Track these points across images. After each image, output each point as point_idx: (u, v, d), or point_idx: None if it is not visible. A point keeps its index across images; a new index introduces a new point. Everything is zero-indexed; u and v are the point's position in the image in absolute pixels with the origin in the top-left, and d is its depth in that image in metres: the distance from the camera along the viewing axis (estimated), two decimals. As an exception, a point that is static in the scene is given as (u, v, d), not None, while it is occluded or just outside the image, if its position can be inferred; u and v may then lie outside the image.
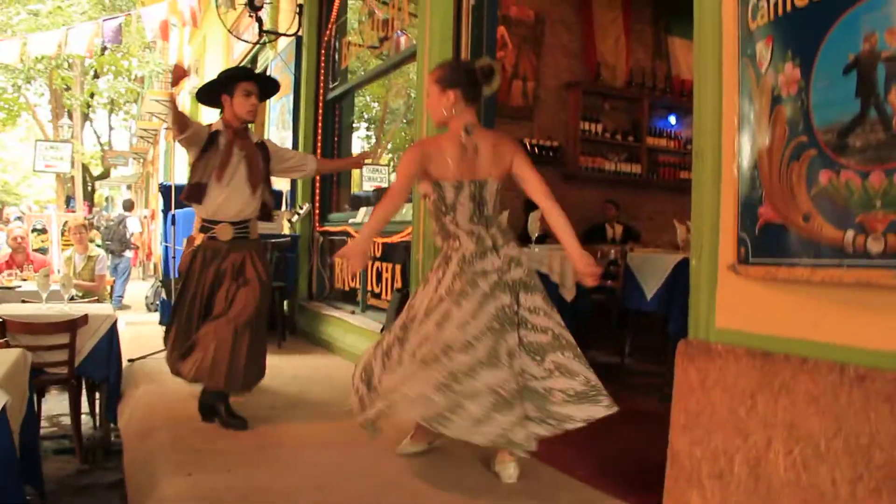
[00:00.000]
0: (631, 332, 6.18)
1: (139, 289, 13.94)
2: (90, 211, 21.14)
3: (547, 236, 6.29)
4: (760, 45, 2.24)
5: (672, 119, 9.67)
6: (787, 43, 2.13)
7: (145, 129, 19.55)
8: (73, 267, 7.09)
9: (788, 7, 2.12)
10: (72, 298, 5.11)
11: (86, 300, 5.96)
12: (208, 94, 4.07)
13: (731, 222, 2.43)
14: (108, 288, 7.32)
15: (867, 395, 2.03)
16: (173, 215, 5.82)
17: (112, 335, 4.62)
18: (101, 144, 26.06)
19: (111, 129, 26.52)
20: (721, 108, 2.50)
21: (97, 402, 4.94)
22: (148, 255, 18.28)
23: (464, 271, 2.96)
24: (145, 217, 20.30)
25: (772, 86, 2.19)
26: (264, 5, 7.00)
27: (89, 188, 25.17)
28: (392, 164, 15.83)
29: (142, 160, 24.86)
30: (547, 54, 8.69)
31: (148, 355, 5.44)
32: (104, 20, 7.73)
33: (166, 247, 6.92)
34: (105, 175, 27.22)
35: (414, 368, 2.84)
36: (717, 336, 2.54)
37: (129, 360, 5.12)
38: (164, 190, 6.77)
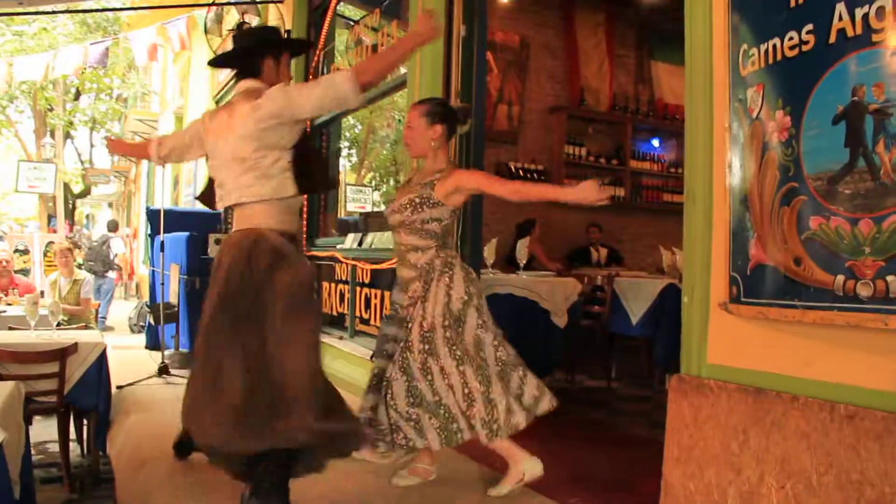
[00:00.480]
0: (617, 357, 6.26)
1: (122, 309, 13.84)
2: (71, 229, 20.97)
3: (532, 261, 6.37)
4: (751, 91, 2.32)
5: (655, 142, 9.80)
6: (778, 91, 2.21)
7: (128, 149, 19.46)
8: (58, 290, 7.05)
9: (779, 56, 2.20)
10: (58, 324, 5.09)
11: (73, 325, 5.93)
12: (243, 55, 3.08)
13: (723, 262, 2.49)
14: (94, 311, 7.26)
15: (857, 433, 2.09)
16: (162, 241, 5.82)
17: (101, 363, 4.59)
18: (82, 162, 25.88)
19: (92, 146, 26.34)
20: (712, 149, 2.57)
21: (84, 430, 4.90)
22: (130, 274, 18.17)
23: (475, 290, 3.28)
24: (127, 236, 20.20)
25: (763, 132, 2.26)
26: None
27: (70, 206, 24.98)
28: (374, 183, 15.88)
29: (123, 178, 24.72)
30: (532, 79, 8.80)
31: (136, 382, 5.42)
32: (91, 44, 7.75)
33: (153, 271, 6.92)
34: (86, 193, 27.01)
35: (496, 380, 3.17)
36: (709, 371, 2.60)
37: (118, 387, 5.10)
38: (151, 214, 6.77)
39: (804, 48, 2.11)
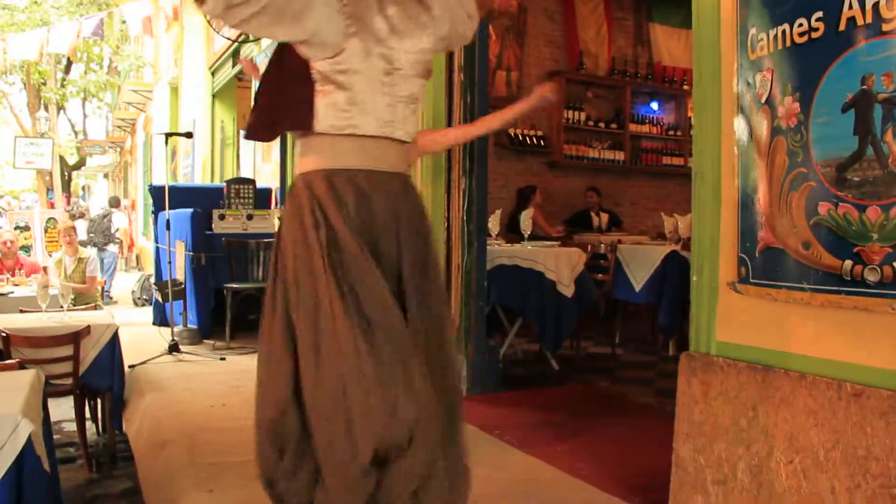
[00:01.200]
0: (620, 323, 6.34)
1: (124, 282, 13.91)
2: (69, 202, 20.96)
3: (534, 226, 6.40)
4: (760, 76, 2.34)
5: (654, 105, 9.80)
6: (787, 77, 2.23)
7: (123, 119, 19.41)
8: (63, 269, 7.10)
9: (788, 42, 2.22)
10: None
11: (81, 306, 5.99)
12: None
13: (732, 241, 2.54)
14: (99, 289, 7.32)
15: (863, 411, 2.15)
16: (167, 219, 5.85)
17: (114, 344, 4.66)
18: (76, 133, 25.80)
19: (85, 116, 26.24)
20: (720, 130, 2.59)
21: (99, 408, 4.99)
22: (130, 246, 18.21)
23: None
24: (125, 208, 20.20)
25: (771, 116, 2.29)
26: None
27: (66, 177, 24.92)
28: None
29: (119, 149, 24.65)
30: (530, 44, 8.77)
31: (147, 361, 5.50)
32: (85, 19, 7.68)
33: (158, 248, 6.96)
34: (81, 164, 26.96)
35: None
36: (719, 349, 2.66)
37: (130, 366, 5.17)
38: (155, 191, 6.79)
39: (814, 35, 2.13)
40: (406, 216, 2.13)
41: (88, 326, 4.45)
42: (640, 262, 5.83)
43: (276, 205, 7.09)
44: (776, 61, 2.28)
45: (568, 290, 5.00)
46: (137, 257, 17.35)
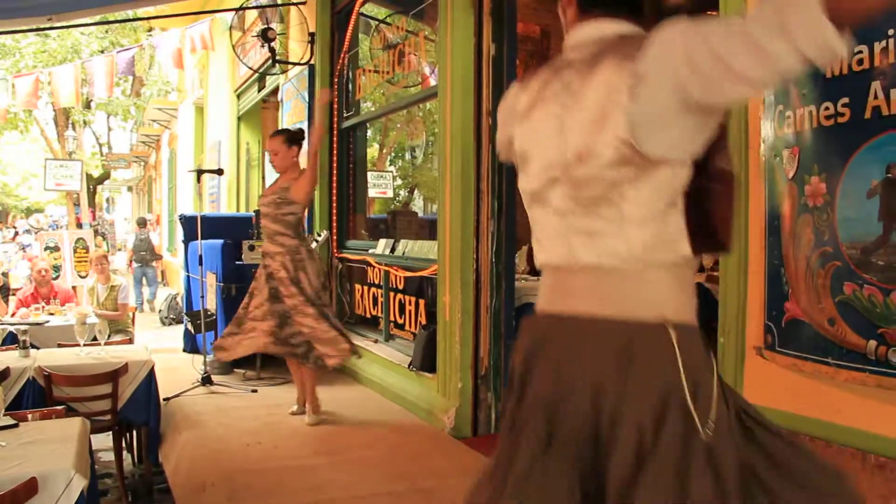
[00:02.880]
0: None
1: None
2: (94, 217, 21.27)
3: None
4: (787, 153, 2.42)
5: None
6: (813, 157, 2.31)
7: (147, 135, 19.68)
8: (95, 297, 7.24)
9: (815, 123, 2.30)
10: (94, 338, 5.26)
11: (115, 335, 6.14)
12: None
13: (758, 309, 2.62)
14: (130, 315, 7.46)
15: (887, 482, 2.22)
16: (200, 255, 5.97)
17: (150, 380, 4.78)
18: (100, 146, 26.13)
19: (110, 130, 26.58)
20: (748, 200, 2.67)
21: (134, 439, 5.12)
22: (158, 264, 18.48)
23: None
24: (149, 221, 20.47)
25: (798, 193, 2.37)
26: (277, 37, 7.12)
27: (91, 189, 25.25)
28: (395, 171, 15.99)
29: (143, 163, 24.95)
30: (552, 69, 8.84)
31: (182, 393, 5.62)
32: (118, 52, 7.86)
33: (189, 277, 7.10)
34: (105, 177, 27.30)
35: None
36: (746, 410, 2.73)
37: (165, 399, 5.29)
38: (186, 221, 6.93)
39: (840, 119, 2.21)
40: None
41: (126, 364, 4.58)
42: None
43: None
44: (803, 140, 2.36)
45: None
46: (163, 273, 17.58)
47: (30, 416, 3.47)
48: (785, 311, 2.46)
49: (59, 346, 5.41)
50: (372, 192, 11.71)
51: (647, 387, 1.38)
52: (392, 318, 5.97)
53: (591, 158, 1.43)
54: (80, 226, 17.21)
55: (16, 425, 3.18)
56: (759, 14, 1.20)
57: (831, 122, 2.24)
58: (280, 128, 5.80)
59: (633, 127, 1.36)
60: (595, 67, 1.44)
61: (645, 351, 1.40)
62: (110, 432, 4.67)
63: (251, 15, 8.26)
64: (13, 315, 6.76)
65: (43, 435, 3.10)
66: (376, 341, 6.09)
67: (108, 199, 34.50)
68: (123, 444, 4.90)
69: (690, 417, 1.36)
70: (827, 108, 2.25)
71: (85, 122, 19.60)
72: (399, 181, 15.92)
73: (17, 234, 18.73)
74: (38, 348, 5.31)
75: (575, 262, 1.49)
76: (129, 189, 32.13)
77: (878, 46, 2.11)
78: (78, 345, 4.94)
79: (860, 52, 2.15)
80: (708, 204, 1.43)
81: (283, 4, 7.65)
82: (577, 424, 1.43)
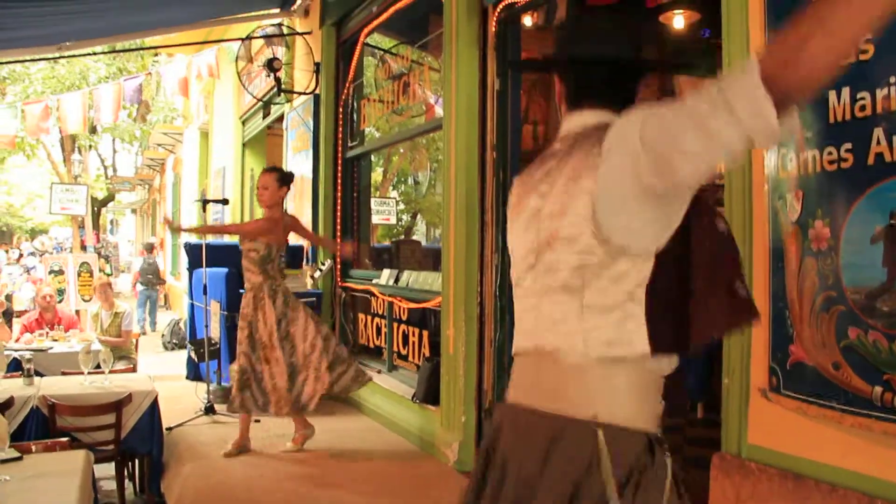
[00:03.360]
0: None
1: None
2: (98, 239, 21.32)
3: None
4: (790, 196, 2.44)
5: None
6: (817, 201, 2.33)
7: (152, 159, 19.80)
8: (99, 323, 7.25)
9: (818, 168, 2.31)
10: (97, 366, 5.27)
11: (119, 363, 6.14)
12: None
13: (763, 350, 2.62)
14: (134, 341, 7.47)
15: (895, 528, 2.21)
16: (205, 284, 5.99)
17: (154, 410, 4.79)
18: (105, 168, 26.28)
19: (115, 152, 26.73)
20: (752, 239, 2.68)
21: (136, 468, 5.11)
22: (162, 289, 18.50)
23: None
24: (152, 244, 20.52)
25: (802, 237, 2.38)
26: (282, 67, 7.18)
27: (95, 211, 25.34)
28: (398, 196, 16.04)
29: (148, 186, 25.07)
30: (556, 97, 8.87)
31: (185, 422, 5.61)
32: (125, 80, 7.94)
33: (193, 305, 7.11)
34: (109, 199, 27.42)
35: None
36: (750, 452, 2.73)
37: (168, 429, 5.29)
38: (190, 249, 6.95)
39: (843, 165, 2.23)
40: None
41: (130, 394, 4.59)
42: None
43: (308, 262, 7.23)
44: (806, 184, 2.38)
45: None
46: (166, 296, 17.60)
47: (34, 448, 3.48)
48: (790, 353, 2.46)
49: (64, 373, 5.42)
50: (375, 219, 11.74)
51: (560, 483, 1.37)
52: (395, 349, 5.97)
53: (558, 242, 1.45)
54: (84, 248, 17.28)
55: (20, 458, 3.19)
56: (708, 93, 1.23)
57: (835, 167, 2.26)
58: (275, 165, 5.88)
59: (595, 207, 1.38)
60: (570, 155, 1.49)
61: (567, 447, 1.39)
62: (113, 462, 4.68)
63: (257, 42, 8.34)
64: (17, 340, 6.78)
65: (47, 468, 3.11)
66: (380, 372, 6.08)
67: (112, 221, 34.62)
68: (126, 474, 4.89)
69: None
70: (830, 153, 2.27)
71: (91, 146, 19.73)
72: (402, 205, 15.97)
73: (21, 255, 18.79)
74: (41, 375, 5.33)
75: (539, 349, 1.50)
76: (134, 211, 32.22)
77: (879, 94, 2.13)
78: (82, 373, 4.96)
79: (863, 98, 2.18)
80: (691, 308, 1.42)
81: (288, 35, 7.73)
82: None
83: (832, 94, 2.26)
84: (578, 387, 1.43)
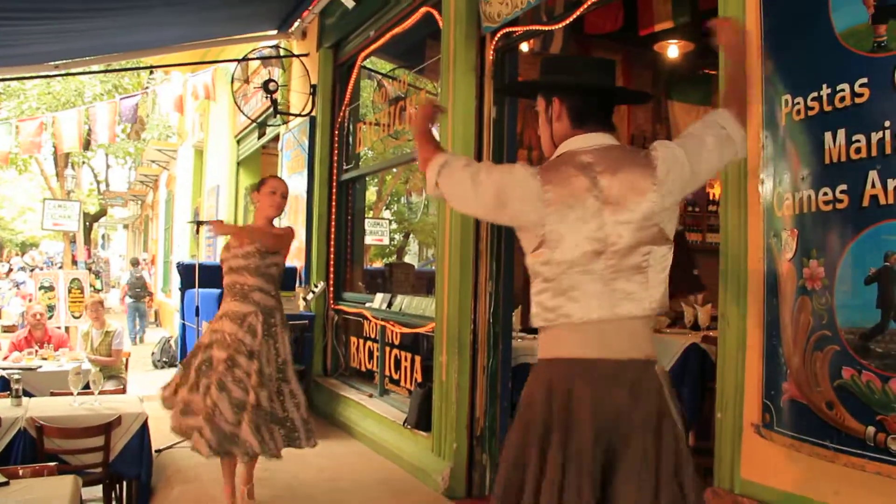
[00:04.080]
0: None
1: (144, 339, 14.10)
2: (89, 254, 21.24)
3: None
4: (785, 234, 2.45)
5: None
6: (812, 241, 2.34)
7: (145, 175, 19.79)
8: (90, 342, 7.22)
9: (813, 208, 2.33)
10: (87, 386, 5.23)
11: (110, 388, 6.11)
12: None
13: (756, 386, 2.63)
14: (124, 360, 7.43)
15: (889, 569, 2.21)
16: (197, 306, 5.97)
17: (143, 432, 4.75)
18: (98, 182, 26.23)
19: (108, 167, 26.68)
20: (746, 275, 2.70)
21: (124, 492, 5.06)
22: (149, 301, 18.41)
23: None
24: (144, 260, 20.47)
25: (797, 275, 2.39)
26: (279, 88, 7.21)
27: (87, 226, 25.27)
28: (390, 215, 16.05)
29: (140, 202, 25.02)
30: (550, 123, 8.92)
31: (175, 444, 5.56)
32: (121, 98, 7.95)
33: (184, 325, 7.08)
34: (101, 214, 27.34)
35: None
36: (743, 488, 2.72)
37: (157, 451, 5.25)
38: (183, 269, 6.93)
39: (838, 206, 2.24)
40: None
41: (120, 417, 4.56)
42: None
43: (301, 284, 7.21)
44: (801, 224, 2.39)
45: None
46: (156, 313, 17.52)
47: (21, 472, 3.44)
48: (783, 391, 2.47)
49: (52, 394, 5.37)
50: (368, 239, 11.74)
51: (651, 406, 2.01)
52: (387, 373, 5.96)
53: (629, 236, 2.02)
54: (75, 263, 17.21)
55: (6, 483, 3.16)
56: (709, 123, 2.17)
57: (830, 208, 2.27)
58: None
59: (659, 212, 2.04)
60: (619, 171, 2.04)
61: (650, 381, 2.05)
62: (101, 485, 4.64)
63: (254, 62, 8.37)
64: (5, 359, 6.72)
65: (33, 494, 3.08)
66: (371, 396, 6.06)
67: (103, 236, 34.50)
68: (113, 497, 4.84)
69: (677, 426, 2.04)
70: (825, 194, 2.29)
71: (84, 161, 19.71)
72: (394, 225, 15.99)
73: (11, 270, 18.70)
74: (30, 395, 5.29)
75: (615, 315, 2.03)
76: (126, 227, 32.13)
77: (874, 136, 2.15)
78: (71, 393, 4.92)
79: (858, 140, 2.19)
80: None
81: (285, 56, 7.76)
82: (598, 443, 1.95)
83: (828, 136, 2.28)
84: (644, 339, 2.08)
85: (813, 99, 2.34)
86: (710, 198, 9.65)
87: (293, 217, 7.62)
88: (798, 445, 2.41)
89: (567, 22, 4.26)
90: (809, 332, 2.34)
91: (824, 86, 2.30)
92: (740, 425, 2.73)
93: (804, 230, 2.38)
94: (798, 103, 2.41)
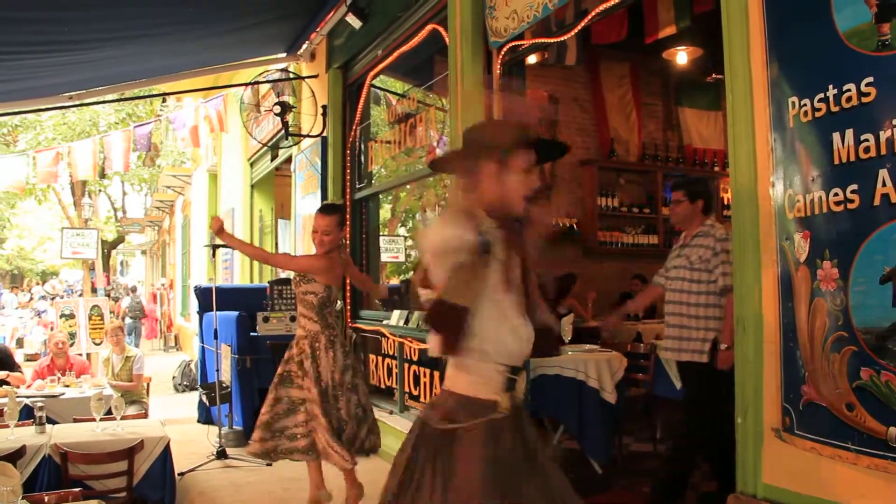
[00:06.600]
0: (661, 420, 6.33)
1: (164, 363, 14.15)
2: (108, 281, 21.43)
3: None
4: (798, 236, 2.45)
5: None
6: (824, 242, 2.33)
7: (161, 201, 19.98)
8: (111, 367, 7.26)
9: (825, 208, 2.33)
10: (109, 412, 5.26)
11: (132, 412, 6.14)
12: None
13: (774, 390, 2.61)
14: (145, 385, 7.47)
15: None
16: (215, 329, 6.00)
17: (166, 456, 4.77)
18: (115, 210, 26.48)
19: (125, 195, 26.94)
20: (760, 281, 2.69)
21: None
22: (168, 325, 18.53)
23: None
24: (162, 285, 20.61)
25: (811, 277, 2.39)
26: (289, 110, 7.26)
27: (105, 253, 25.47)
28: (405, 232, 16.05)
29: (157, 228, 25.23)
30: (562, 133, 8.94)
31: (197, 467, 5.60)
32: (135, 126, 8.04)
33: (203, 348, 7.13)
34: (119, 241, 27.58)
35: None
36: (765, 492, 2.70)
37: (180, 474, 5.27)
38: (201, 292, 6.98)
39: (850, 206, 2.24)
40: None
41: (142, 441, 4.58)
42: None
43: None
44: (813, 225, 2.39)
45: (611, 396, 5.04)
46: (176, 337, 17.61)
47: (46, 499, 3.46)
48: (802, 393, 2.45)
49: (75, 420, 5.41)
50: (384, 257, 11.75)
51: None
52: (407, 390, 5.95)
53: None
54: (94, 290, 17.35)
55: (32, 511, 3.18)
56: None
57: (841, 208, 2.27)
58: (330, 202, 5.72)
59: None
60: None
61: None
62: (125, 512, 4.66)
63: (264, 86, 8.44)
64: (28, 386, 6.78)
65: (59, 521, 3.10)
66: (391, 412, 6.06)
67: (122, 263, 34.78)
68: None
69: None
70: (836, 194, 2.29)
71: (101, 190, 19.92)
72: (410, 241, 15.99)
73: (31, 298, 18.89)
74: (54, 422, 5.33)
75: None
76: (143, 253, 32.36)
77: (883, 135, 2.15)
78: (94, 419, 4.96)
79: (866, 140, 2.19)
80: None
81: (295, 79, 7.82)
82: None
83: (836, 136, 2.28)
84: None
85: (820, 100, 2.35)
86: (725, 202, 9.64)
87: (308, 237, 7.66)
88: (819, 448, 2.40)
89: (573, 33, 4.28)
90: (826, 334, 2.33)
91: (830, 86, 2.31)
92: (760, 430, 2.72)
93: (816, 232, 2.38)
94: (805, 105, 2.41)
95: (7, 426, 4.73)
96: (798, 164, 2.47)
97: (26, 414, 5.70)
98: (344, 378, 4.35)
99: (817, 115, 2.37)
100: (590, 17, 4.04)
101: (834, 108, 2.30)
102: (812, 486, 2.52)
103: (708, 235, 4.07)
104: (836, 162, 2.29)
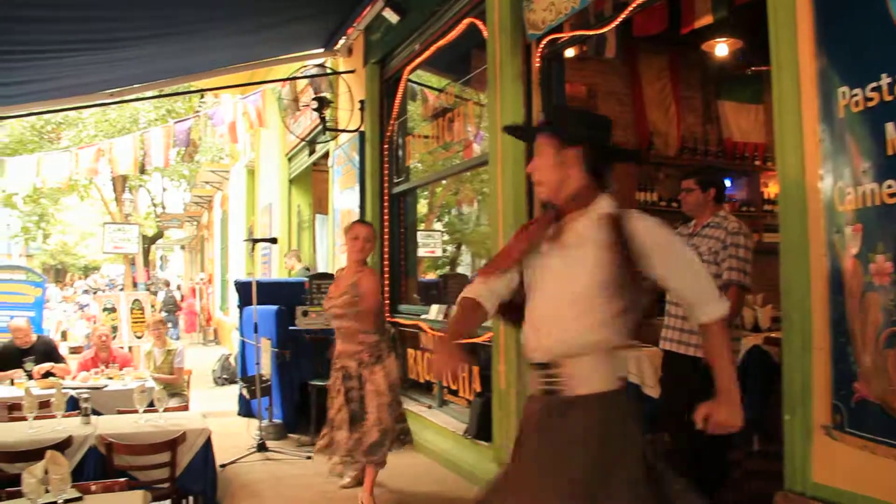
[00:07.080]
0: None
1: (204, 357, 14.32)
2: (149, 276, 21.78)
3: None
4: (848, 229, 2.39)
5: (726, 182, 9.74)
6: (878, 235, 2.28)
7: (200, 196, 20.21)
8: (153, 361, 7.37)
9: (878, 201, 2.27)
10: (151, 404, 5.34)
11: (174, 405, 6.22)
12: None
13: (824, 386, 2.56)
14: (186, 378, 7.57)
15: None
16: (255, 323, 6.05)
17: (207, 448, 4.83)
18: (154, 205, 26.85)
19: (164, 190, 27.28)
20: (809, 275, 2.63)
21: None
22: (207, 319, 18.76)
23: None
24: (201, 280, 20.85)
25: (863, 271, 2.33)
26: (327, 105, 7.29)
27: (145, 248, 25.86)
28: (442, 226, 16.07)
29: (196, 223, 25.53)
30: (599, 127, 8.86)
31: (238, 460, 5.65)
32: (175, 122, 8.14)
33: (243, 342, 7.20)
34: (159, 236, 27.97)
35: None
36: (815, 490, 2.65)
37: (221, 466, 5.33)
38: (241, 286, 7.05)
39: (904, 198, 2.18)
40: None
41: (184, 433, 4.64)
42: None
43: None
44: (865, 218, 2.33)
45: (654, 391, 4.98)
46: (215, 331, 17.82)
47: (93, 488, 3.53)
48: (854, 391, 2.40)
49: (119, 412, 5.50)
50: (421, 251, 11.78)
51: None
52: (446, 384, 5.96)
53: None
54: (135, 285, 17.64)
55: (80, 498, 3.24)
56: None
57: (895, 201, 2.21)
58: (365, 220, 5.87)
59: None
60: None
61: None
62: (168, 500, 4.73)
63: (301, 81, 8.49)
64: (74, 378, 6.91)
65: (105, 508, 3.16)
66: (430, 407, 6.07)
67: (161, 258, 35.30)
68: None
69: None
70: (890, 186, 2.23)
71: (141, 185, 20.23)
72: (446, 236, 16.02)
73: (74, 292, 19.27)
74: (98, 413, 5.42)
75: None
76: (182, 248, 32.79)
77: (939, 125, 2.09)
78: (136, 411, 5.04)
79: (921, 129, 2.14)
80: None
81: (332, 74, 7.85)
82: None
83: (889, 126, 2.22)
84: None
85: (872, 89, 2.29)
86: (766, 197, 9.48)
87: (342, 231, 7.70)
88: (872, 447, 2.34)
89: (613, 25, 4.23)
90: (879, 330, 2.28)
91: (883, 75, 2.25)
92: (810, 427, 2.66)
93: (869, 225, 2.32)
94: (856, 95, 2.36)
95: (55, 416, 4.83)
96: (848, 156, 2.41)
97: (72, 405, 5.82)
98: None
99: (869, 104, 2.31)
100: (630, 8, 3.99)
101: (887, 98, 2.24)
102: (864, 485, 2.47)
103: (720, 227, 3.99)
104: (890, 153, 2.23)
